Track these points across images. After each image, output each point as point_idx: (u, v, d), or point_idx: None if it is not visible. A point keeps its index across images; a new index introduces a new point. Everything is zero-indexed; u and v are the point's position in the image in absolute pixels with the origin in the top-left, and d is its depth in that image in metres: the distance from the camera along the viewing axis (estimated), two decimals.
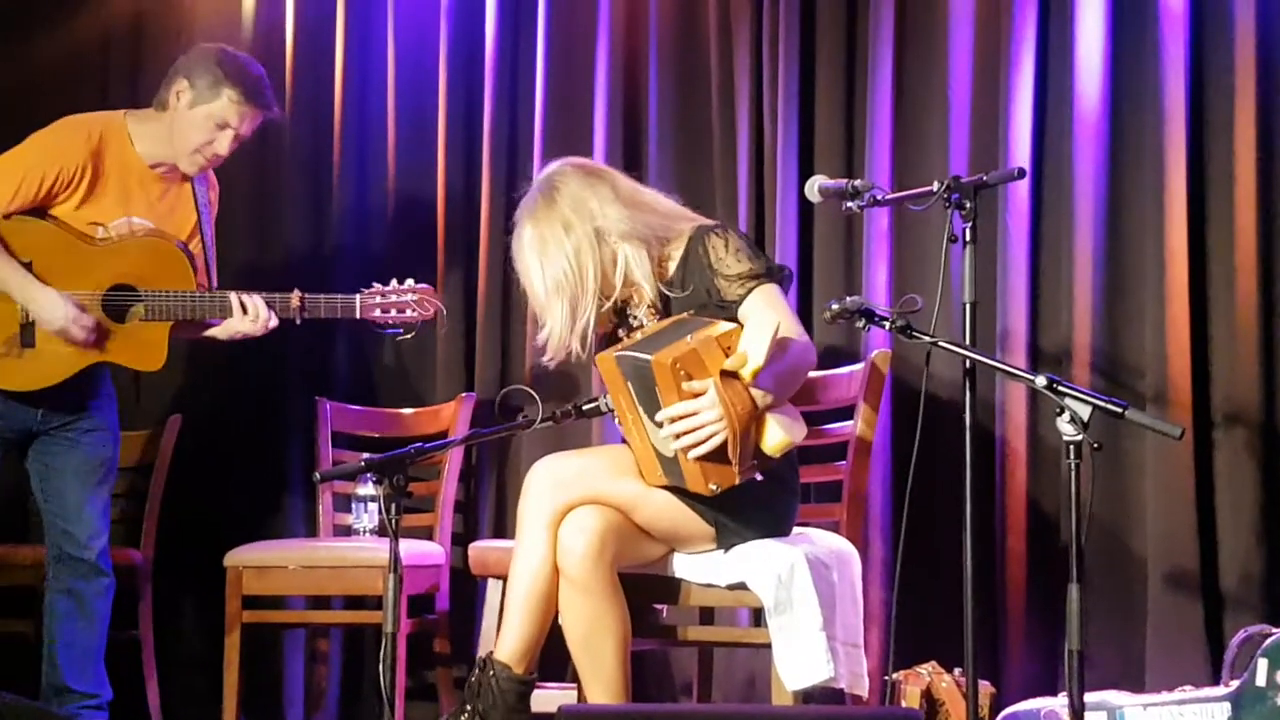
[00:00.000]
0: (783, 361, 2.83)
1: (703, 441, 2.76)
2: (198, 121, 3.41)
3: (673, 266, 3.04)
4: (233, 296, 3.40)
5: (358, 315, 3.45)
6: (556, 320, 2.98)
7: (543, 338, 3.02)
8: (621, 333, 3.07)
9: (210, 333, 3.46)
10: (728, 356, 2.79)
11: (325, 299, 3.44)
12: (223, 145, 3.43)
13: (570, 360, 3.04)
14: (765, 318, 2.85)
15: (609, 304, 3.02)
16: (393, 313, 3.46)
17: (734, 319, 2.94)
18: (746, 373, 2.77)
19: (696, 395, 2.76)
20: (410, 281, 3.49)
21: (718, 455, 2.77)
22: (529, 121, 4.14)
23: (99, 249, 3.38)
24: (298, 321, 3.44)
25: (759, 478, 2.83)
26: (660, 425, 2.79)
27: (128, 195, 3.44)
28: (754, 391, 2.79)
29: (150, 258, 3.41)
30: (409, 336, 3.54)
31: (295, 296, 3.42)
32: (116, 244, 3.40)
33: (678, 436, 2.77)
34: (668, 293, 3.02)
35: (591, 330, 3.00)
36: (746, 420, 2.77)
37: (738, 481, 2.81)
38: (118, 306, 3.39)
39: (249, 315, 3.39)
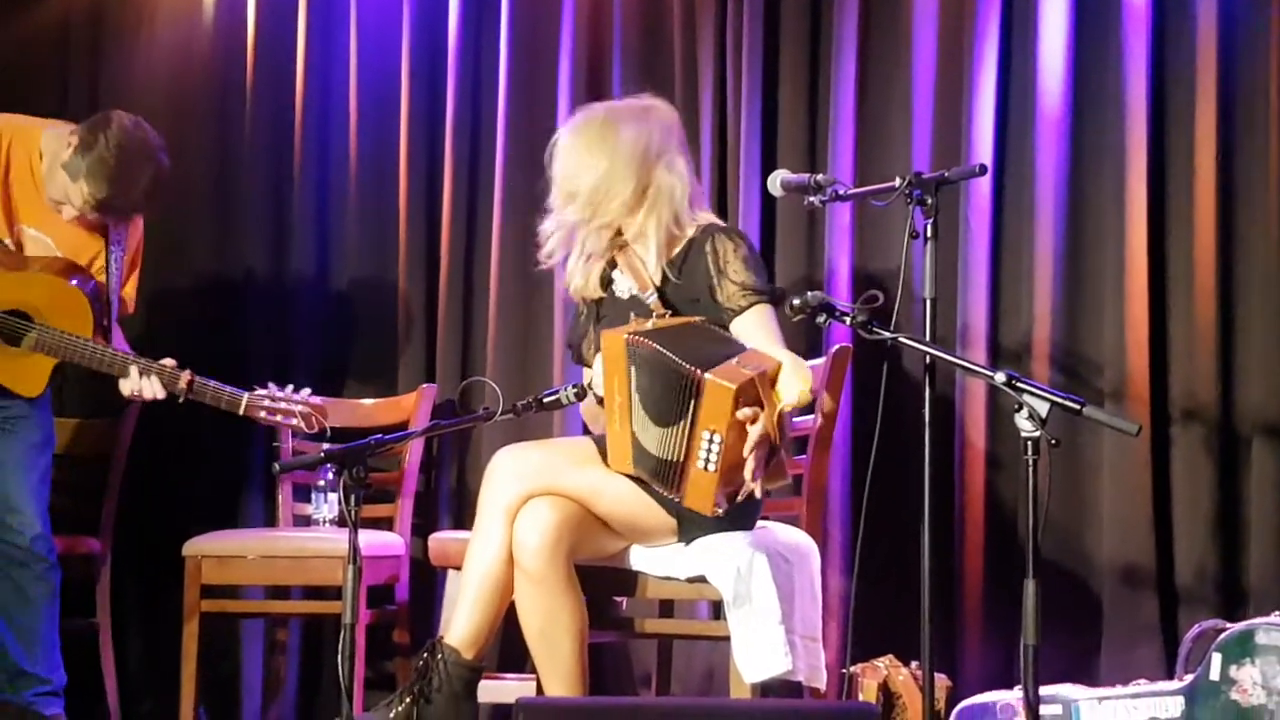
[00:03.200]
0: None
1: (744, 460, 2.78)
2: (57, 179, 3.38)
3: (677, 249, 3.06)
4: (132, 367, 3.35)
5: (240, 412, 3.38)
6: (577, 206, 3.01)
7: (550, 226, 3.04)
8: (605, 306, 3.08)
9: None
10: (773, 387, 2.81)
11: (214, 388, 3.37)
12: (65, 213, 3.40)
13: (542, 266, 3.11)
14: (782, 352, 2.90)
15: (608, 237, 3.04)
16: (278, 418, 3.40)
17: (724, 323, 2.98)
18: (785, 406, 2.83)
19: (746, 422, 2.76)
20: (306, 392, 3.42)
21: (730, 471, 2.79)
22: (492, 115, 4.13)
23: (7, 275, 3.37)
24: (180, 400, 3.40)
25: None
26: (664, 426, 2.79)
27: (29, 206, 3.42)
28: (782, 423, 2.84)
29: (53, 295, 3.39)
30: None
31: (184, 378, 3.36)
32: (25, 275, 3.38)
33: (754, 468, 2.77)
34: (668, 273, 3.04)
35: (582, 261, 3.04)
36: (774, 440, 2.82)
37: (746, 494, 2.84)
38: (13, 330, 3.37)
39: (143, 388, 3.35)
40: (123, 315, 3.58)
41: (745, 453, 2.77)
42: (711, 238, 3.04)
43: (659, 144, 3.04)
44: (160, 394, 3.37)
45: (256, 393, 3.39)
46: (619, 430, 2.88)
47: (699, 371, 2.77)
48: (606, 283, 3.11)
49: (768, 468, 2.82)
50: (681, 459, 2.80)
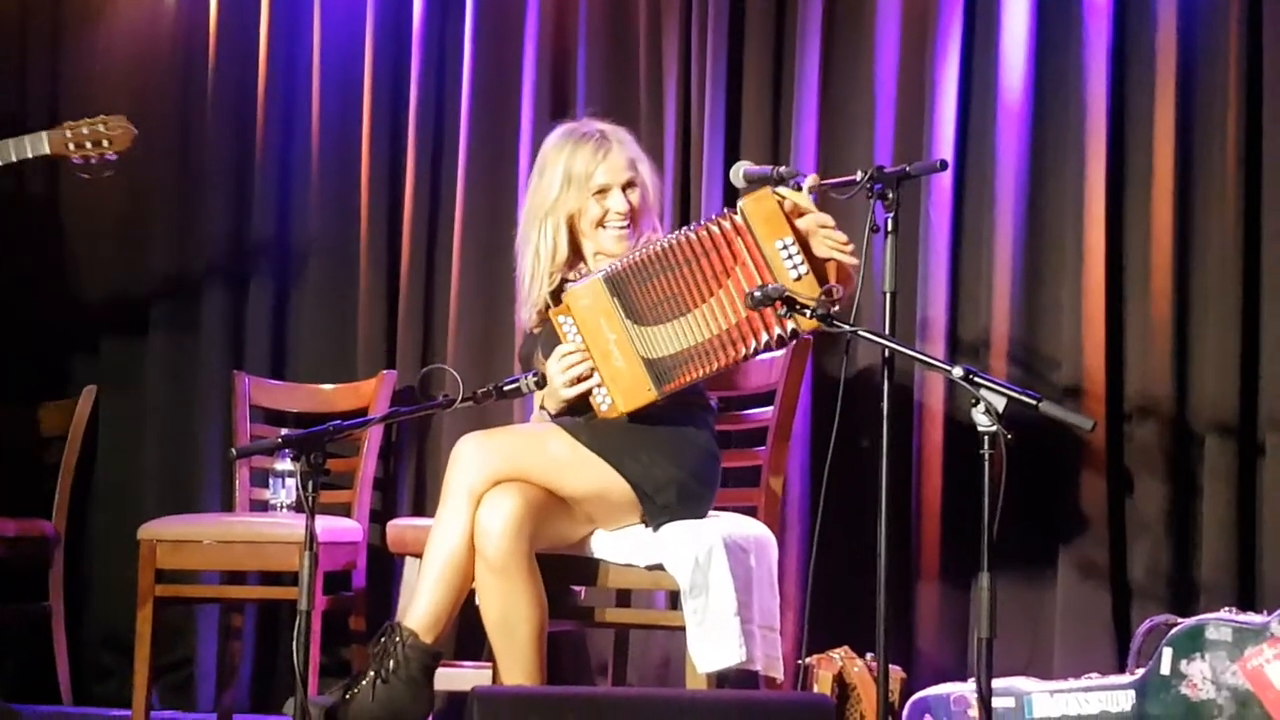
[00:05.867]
0: None
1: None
2: None
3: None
4: None
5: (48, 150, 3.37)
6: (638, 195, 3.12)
7: (623, 206, 3.10)
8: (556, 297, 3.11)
9: None
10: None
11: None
12: None
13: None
14: None
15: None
16: (87, 145, 3.38)
17: None
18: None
19: (794, 217, 2.89)
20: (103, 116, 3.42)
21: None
22: (455, 101, 4.11)
23: None
24: None
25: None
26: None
27: None
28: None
29: None
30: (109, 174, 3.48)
31: None
32: None
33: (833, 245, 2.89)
34: None
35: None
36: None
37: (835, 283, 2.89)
38: None
39: None
40: None
41: (825, 229, 2.88)
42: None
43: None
44: None
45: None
46: (624, 366, 2.92)
47: (725, 211, 2.90)
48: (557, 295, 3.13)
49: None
50: (735, 316, 2.88)
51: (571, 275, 3.14)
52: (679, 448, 3.00)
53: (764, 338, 2.89)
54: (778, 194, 2.91)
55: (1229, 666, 3.12)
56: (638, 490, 2.96)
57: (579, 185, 3.10)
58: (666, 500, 2.98)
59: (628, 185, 3.11)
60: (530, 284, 3.15)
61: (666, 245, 2.93)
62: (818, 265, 2.89)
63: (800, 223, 2.90)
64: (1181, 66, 3.61)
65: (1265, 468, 3.52)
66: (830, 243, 2.90)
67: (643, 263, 2.94)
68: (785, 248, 2.86)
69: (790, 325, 2.85)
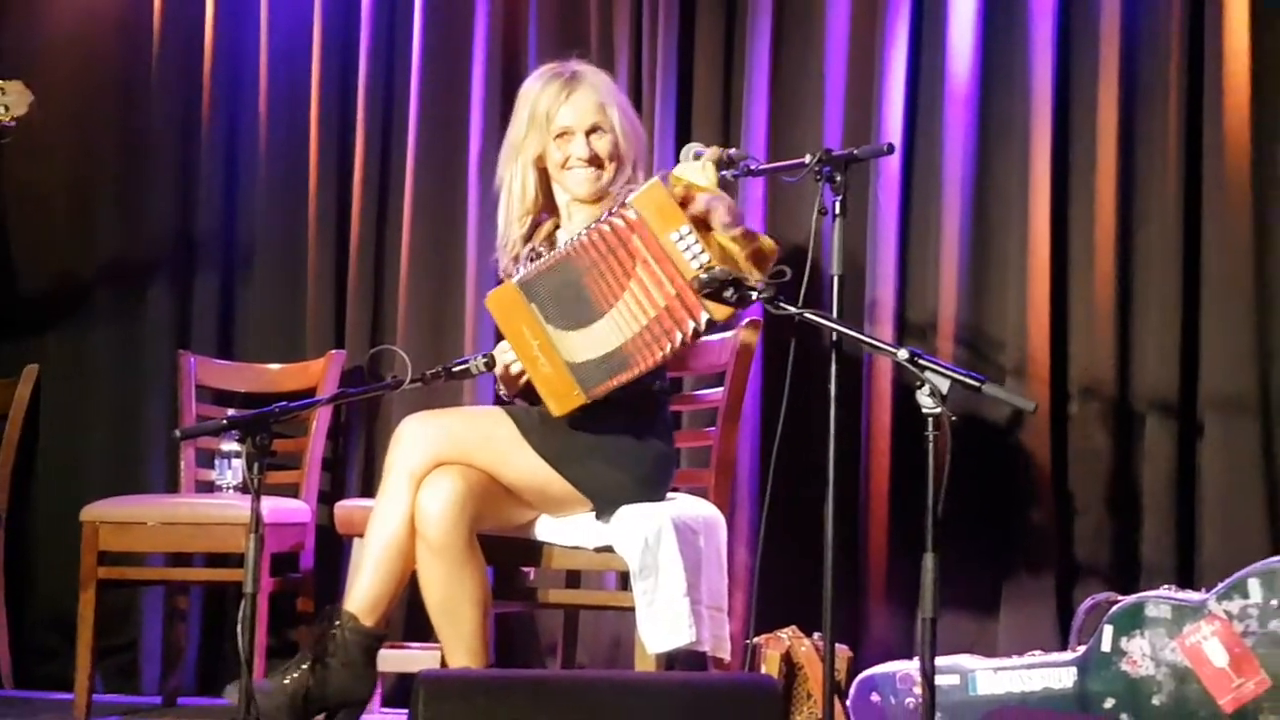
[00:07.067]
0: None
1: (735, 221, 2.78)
2: None
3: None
4: None
5: None
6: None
7: (584, 152, 3.03)
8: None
9: None
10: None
11: None
12: None
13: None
14: None
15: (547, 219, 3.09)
16: None
17: None
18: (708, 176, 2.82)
19: (690, 202, 2.78)
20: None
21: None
22: (405, 81, 4.09)
23: None
24: None
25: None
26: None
27: None
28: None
29: None
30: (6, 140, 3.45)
31: None
32: None
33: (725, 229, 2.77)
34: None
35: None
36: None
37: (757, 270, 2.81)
38: None
39: None
40: None
41: (714, 212, 2.77)
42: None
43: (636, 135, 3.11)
44: None
45: None
46: (551, 371, 2.84)
47: (615, 208, 2.79)
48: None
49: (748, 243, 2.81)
50: (648, 314, 2.79)
51: (549, 229, 3.10)
52: (630, 451, 2.96)
53: (678, 336, 2.79)
54: (676, 177, 2.81)
55: (1168, 643, 3.17)
56: (583, 492, 2.95)
57: (540, 127, 3.03)
58: (616, 502, 2.97)
59: (592, 130, 3.03)
60: (505, 227, 3.11)
61: (571, 248, 2.84)
62: (727, 248, 2.79)
63: (692, 209, 2.78)
64: (1125, 54, 3.65)
65: (1204, 449, 3.58)
66: (719, 225, 2.78)
67: (552, 267, 2.85)
68: (682, 238, 2.75)
69: (704, 316, 2.76)
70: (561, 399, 2.86)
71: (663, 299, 2.78)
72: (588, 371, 2.84)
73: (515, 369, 2.96)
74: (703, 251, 2.75)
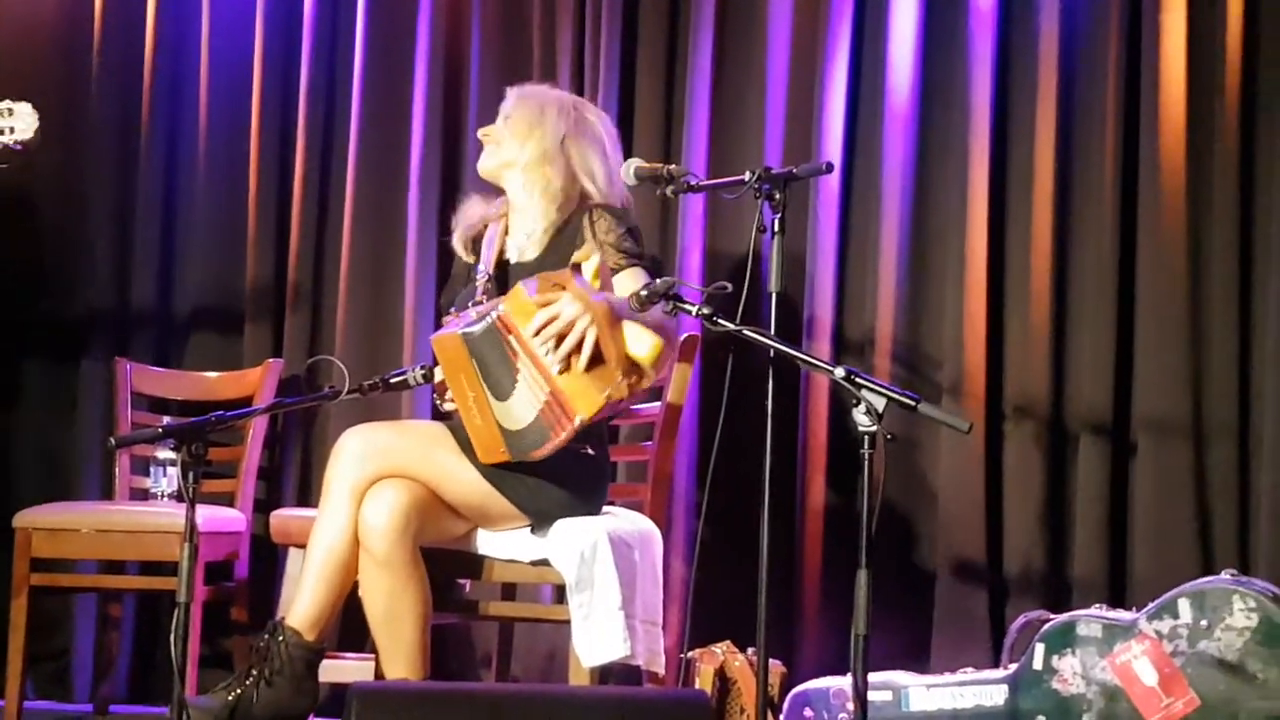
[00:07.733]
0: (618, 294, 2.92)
1: (578, 339, 2.79)
2: None
3: (559, 223, 3.10)
4: None
5: None
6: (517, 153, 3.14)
7: (493, 163, 3.16)
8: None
9: None
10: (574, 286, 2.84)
11: None
12: None
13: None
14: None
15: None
16: None
17: None
18: (589, 271, 2.86)
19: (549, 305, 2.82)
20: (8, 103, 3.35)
21: (593, 365, 2.81)
22: (346, 92, 4.07)
23: None
24: None
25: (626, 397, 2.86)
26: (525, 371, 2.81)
27: None
28: (610, 297, 2.85)
29: None
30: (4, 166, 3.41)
31: None
32: None
33: (557, 345, 2.79)
34: (527, 255, 3.10)
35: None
36: (607, 320, 2.81)
37: (625, 393, 2.83)
38: None
39: None
40: None
41: (565, 317, 2.79)
42: (591, 211, 3.09)
43: (585, 159, 3.18)
44: None
45: None
46: (482, 424, 2.87)
47: (496, 306, 2.85)
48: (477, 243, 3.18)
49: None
50: (547, 391, 2.82)
51: (502, 226, 3.18)
52: (565, 466, 2.96)
53: (568, 426, 2.81)
54: (548, 279, 2.86)
55: (1099, 662, 3.20)
56: (521, 508, 2.96)
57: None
58: (551, 516, 2.98)
59: (487, 135, 3.19)
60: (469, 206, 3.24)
61: (495, 321, 2.85)
62: (595, 354, 2.81)
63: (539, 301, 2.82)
64: (1063, 74, 3.69)
65: (1137, 469, 3.62)
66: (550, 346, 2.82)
67: (487, 331, 2.86)
68: (545, 342, 2.81)
69: (579, 418, 2.80)
70: (488, 451, 2.89)
71: (543, 394, 2.83)
72: (513, 440, 2.86)
73: (448, 408, 2.98)
74: (562, 359, 2.81)
